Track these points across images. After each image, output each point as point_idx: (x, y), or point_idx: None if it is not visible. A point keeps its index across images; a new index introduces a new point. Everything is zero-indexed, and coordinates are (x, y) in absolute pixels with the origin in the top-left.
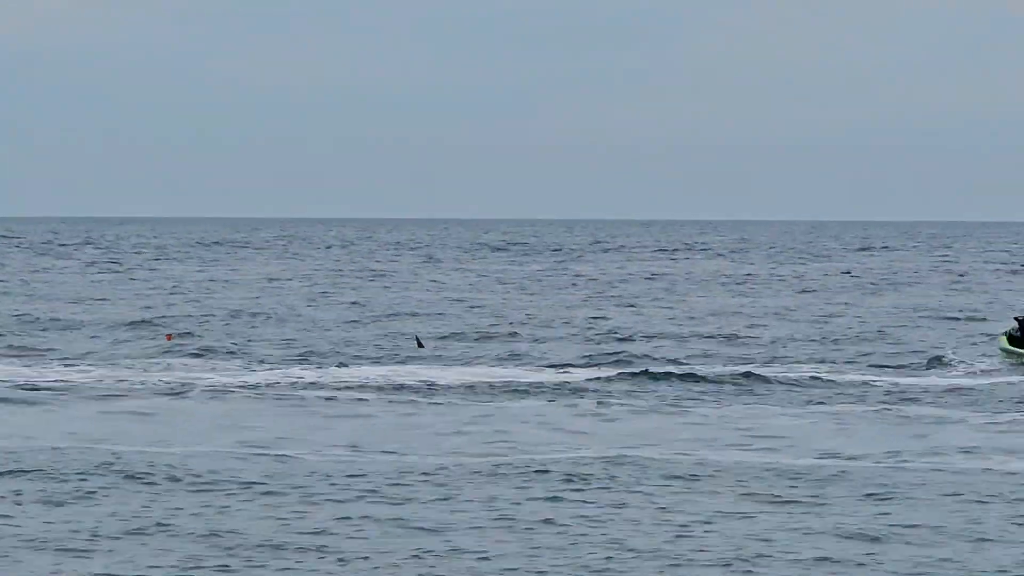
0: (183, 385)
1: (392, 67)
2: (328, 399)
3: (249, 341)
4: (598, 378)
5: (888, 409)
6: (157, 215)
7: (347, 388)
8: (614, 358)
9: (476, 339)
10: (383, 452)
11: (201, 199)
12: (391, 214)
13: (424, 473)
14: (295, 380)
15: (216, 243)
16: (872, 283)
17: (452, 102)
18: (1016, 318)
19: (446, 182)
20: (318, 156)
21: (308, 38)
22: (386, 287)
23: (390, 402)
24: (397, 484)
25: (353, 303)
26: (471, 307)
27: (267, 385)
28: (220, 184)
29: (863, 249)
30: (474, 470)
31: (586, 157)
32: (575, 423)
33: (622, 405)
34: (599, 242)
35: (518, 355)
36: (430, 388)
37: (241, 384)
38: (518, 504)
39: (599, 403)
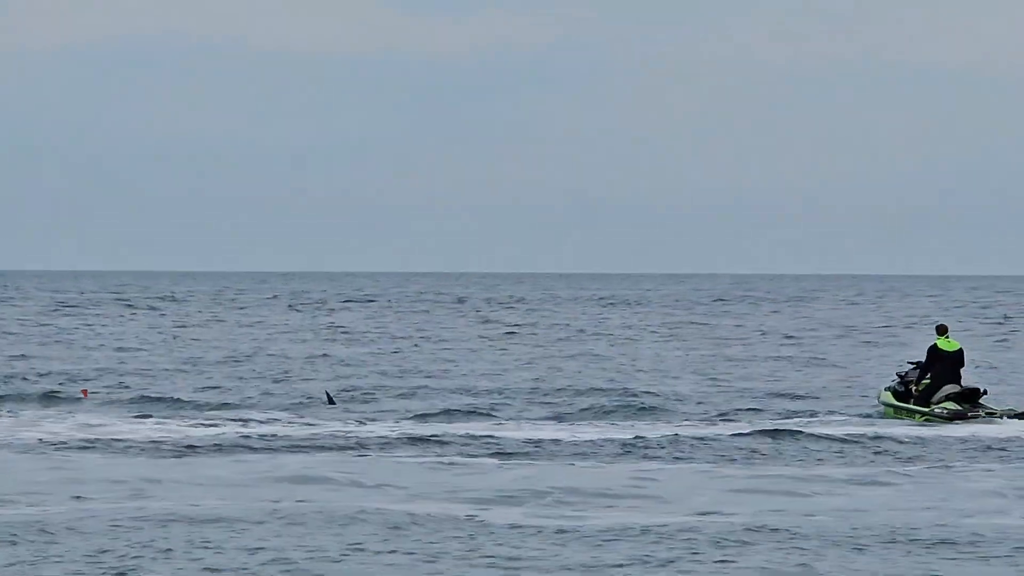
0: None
1: (277, 123)
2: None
3: (147, 395)
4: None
5: (763, 463)
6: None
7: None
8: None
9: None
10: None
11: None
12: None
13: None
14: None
15: (124, 300)
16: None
17: (339, 156)
18: (898, 373)
19: (325, 235)
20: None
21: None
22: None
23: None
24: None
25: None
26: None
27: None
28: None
29: (797, 299)
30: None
31: (467, 211)
32: (415, 474)
33: (485, 458)
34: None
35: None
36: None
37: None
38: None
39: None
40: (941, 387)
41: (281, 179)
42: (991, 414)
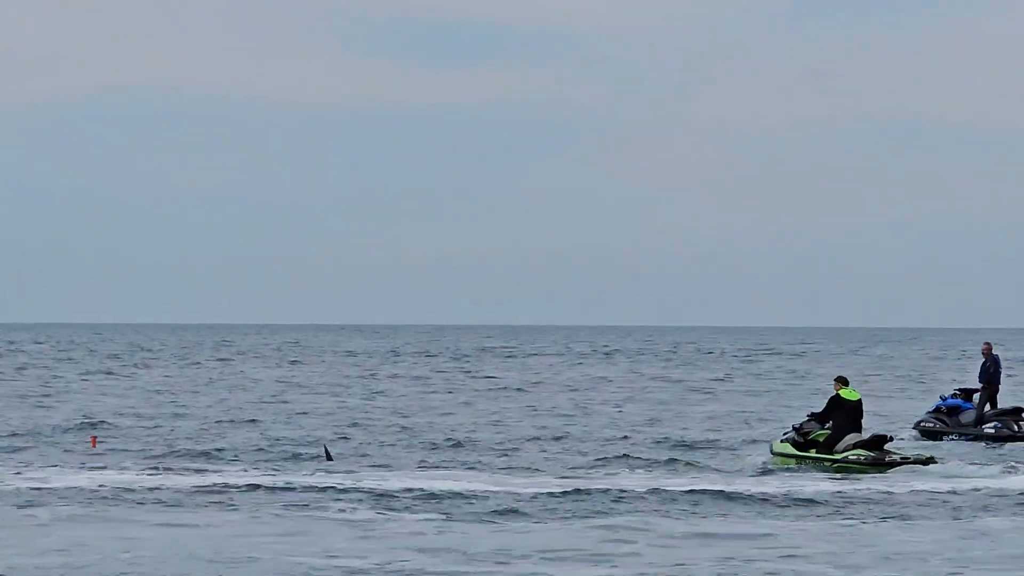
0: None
1: (264, 178)
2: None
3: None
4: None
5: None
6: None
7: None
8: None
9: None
10: None
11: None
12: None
13: None
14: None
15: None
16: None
17: (326, 214)
18: (794, 426)
19: (315, 293)
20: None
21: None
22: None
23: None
24: None
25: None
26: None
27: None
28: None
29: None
30: None
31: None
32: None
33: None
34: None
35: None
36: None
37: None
38: None
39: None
40: (844, 436)
41: (261, 233)
42: (905, 460)
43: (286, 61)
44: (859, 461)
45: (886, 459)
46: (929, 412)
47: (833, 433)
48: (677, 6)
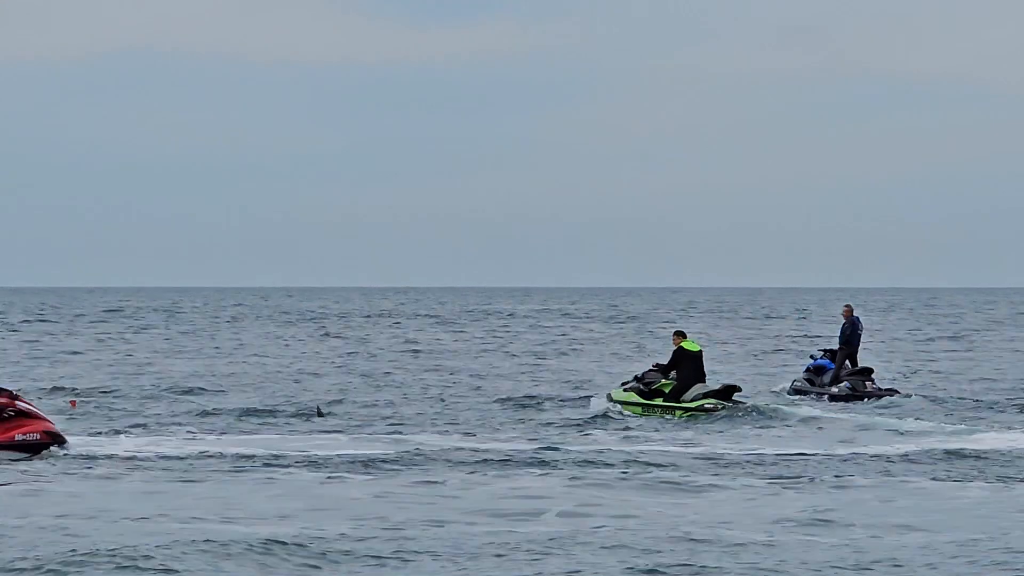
0: None
1: (260, 134)
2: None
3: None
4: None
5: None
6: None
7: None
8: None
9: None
10: None
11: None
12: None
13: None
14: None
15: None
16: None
17: (325, 170)
18: (636, 376)
19: (312, 252)
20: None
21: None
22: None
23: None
24: None
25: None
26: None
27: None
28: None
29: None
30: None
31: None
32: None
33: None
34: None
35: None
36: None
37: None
38: None
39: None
40: (690, 386)
41: (262, 192)
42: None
43: (274, 19)
44: (713, 409)
45: (741, 414)
46: (803, 373)
47: (679, 384)
48: None
